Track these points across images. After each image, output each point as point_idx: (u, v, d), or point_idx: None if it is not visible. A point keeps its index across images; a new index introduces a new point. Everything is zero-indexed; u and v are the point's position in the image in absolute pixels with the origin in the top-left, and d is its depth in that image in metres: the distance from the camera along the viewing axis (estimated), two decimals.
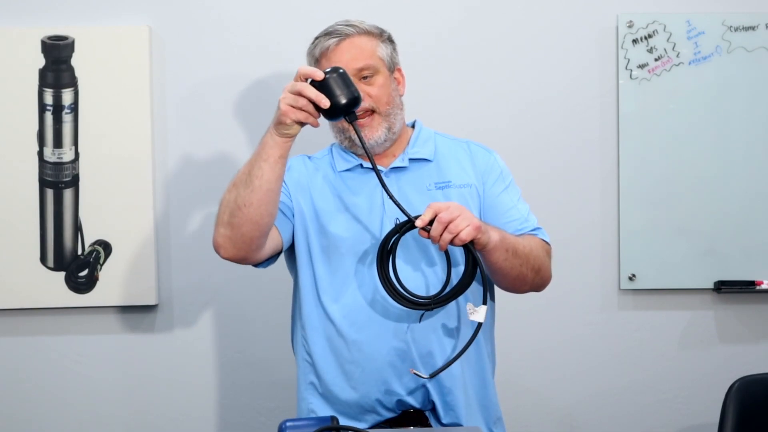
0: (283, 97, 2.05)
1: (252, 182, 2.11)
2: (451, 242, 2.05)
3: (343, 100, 2.04)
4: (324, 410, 2.28)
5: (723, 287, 3.17)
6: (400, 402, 2.24)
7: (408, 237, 2.17)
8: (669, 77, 3.18)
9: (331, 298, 2.26)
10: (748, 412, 2.63)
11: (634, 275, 3.19)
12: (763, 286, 3.17)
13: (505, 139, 3.17)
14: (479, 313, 2.09)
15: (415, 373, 2.13)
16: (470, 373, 2.30)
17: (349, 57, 2.25)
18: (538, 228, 2.35)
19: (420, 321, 2.20)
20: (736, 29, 3.17)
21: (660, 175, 3.19)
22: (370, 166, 2.19)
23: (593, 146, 3.21)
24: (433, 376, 2.13)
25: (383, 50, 2.31)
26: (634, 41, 3.17)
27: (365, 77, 2.26)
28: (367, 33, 2.29)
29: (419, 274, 2.24)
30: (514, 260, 2.20)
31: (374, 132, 2.26)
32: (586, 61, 3.20)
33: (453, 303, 2.21)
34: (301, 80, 2.06)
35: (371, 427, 2.25)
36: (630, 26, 3.17)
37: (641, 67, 3.18)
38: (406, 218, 2.09)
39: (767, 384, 2.68)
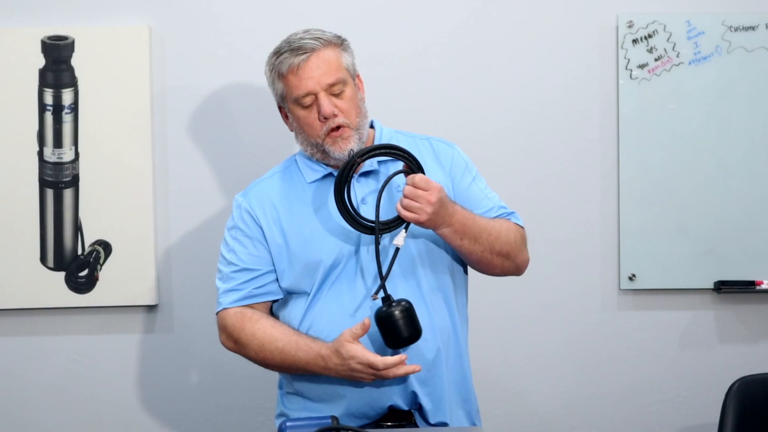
0: (365, 376, 2.19)
1: (289, 370, 2.30)
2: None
3: (406, 334, 2.19)
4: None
5: (723, 287, 3.17)
6: (390, 406, 2.27)
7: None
8: (669, 77, 3.18)
9: (320, 308, 2.28)
10: (748, 412, 2.63)
11: (634, 275, 3.19)
12: (763, 286, 3.17)
13: (505, 140, 3.18)
14: (399, 237, 2.21)
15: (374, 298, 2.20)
16: (452, 372, 2.33)
17: (319, 74, 2.25)
18: (512, 213, 2.40)
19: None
20: (736, 29, 3.17)
21: (660, 175, 3.18)
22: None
23: (593, 146, 3.21)
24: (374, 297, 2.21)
25: (347, 59, 2.31)
26: (634, 41, 3.17)
27: (336, 93, 2.26)
28: (331, 44, 2.29)
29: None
30: (472, 246, 2.27)
31: (347, 144, 2.27)
32: (586, 62, 3.20)
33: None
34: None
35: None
36: (630, 26, 3.17)
37: (641, 67, 3.18)
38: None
39: (767, 384, 2.68)
